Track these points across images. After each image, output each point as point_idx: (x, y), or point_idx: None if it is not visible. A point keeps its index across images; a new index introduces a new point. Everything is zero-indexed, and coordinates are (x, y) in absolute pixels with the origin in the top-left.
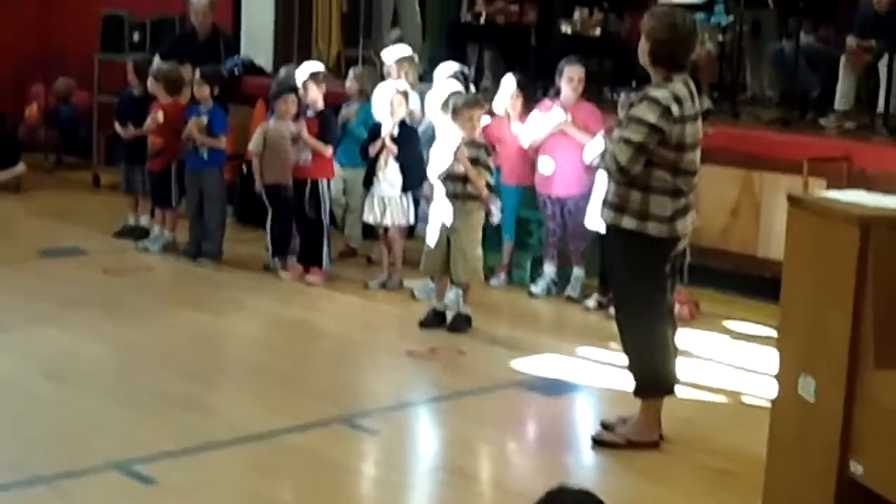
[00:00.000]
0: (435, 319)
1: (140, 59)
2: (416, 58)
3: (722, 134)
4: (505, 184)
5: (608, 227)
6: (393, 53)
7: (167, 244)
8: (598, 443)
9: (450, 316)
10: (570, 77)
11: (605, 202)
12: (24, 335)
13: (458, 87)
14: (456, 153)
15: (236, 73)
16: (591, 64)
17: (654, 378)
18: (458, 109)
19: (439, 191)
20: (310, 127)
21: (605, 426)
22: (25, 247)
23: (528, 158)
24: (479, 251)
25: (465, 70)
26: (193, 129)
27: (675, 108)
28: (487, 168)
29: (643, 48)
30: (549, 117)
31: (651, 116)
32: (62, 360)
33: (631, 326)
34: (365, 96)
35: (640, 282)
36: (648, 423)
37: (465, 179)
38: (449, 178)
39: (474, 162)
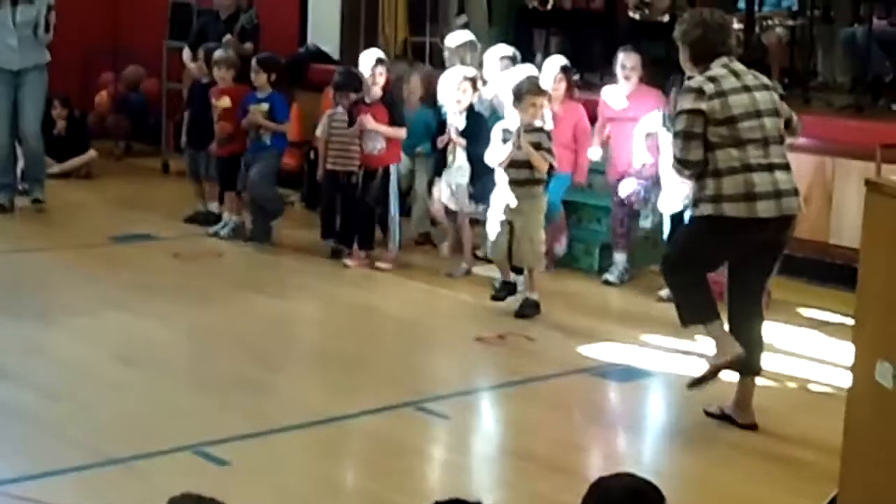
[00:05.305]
0: (509, 290)
1: (209, 49)
2: (477, 43)
3: None
4: (561, 171)
5: (692, 220)
6: (453, 39)
7: (236, 228)
8: (708, 414)
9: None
10: (623, 64)
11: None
12: (98, 320)
13: (533, 71)
14: (517, 140)
15: (248, 27)
16: (658, 49)
17: (689, 305)
18: (522, 95)
19: (501, 178)
20: (378, 113)
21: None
22: (97, 233)
23: (571, 146)
24: (543, 235)
25: (517, 54)
26: (258, 116)
27: (708, 87)
28: (549, 152)
29: (683, 55)
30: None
31: (686, 103)
32: (135, 345)
33: (673, 270)
34: (431, 99)
35: (697, 247)
36: (718, 343)
37: (529, 165)
38: (512, 164)
39: (536, 147)
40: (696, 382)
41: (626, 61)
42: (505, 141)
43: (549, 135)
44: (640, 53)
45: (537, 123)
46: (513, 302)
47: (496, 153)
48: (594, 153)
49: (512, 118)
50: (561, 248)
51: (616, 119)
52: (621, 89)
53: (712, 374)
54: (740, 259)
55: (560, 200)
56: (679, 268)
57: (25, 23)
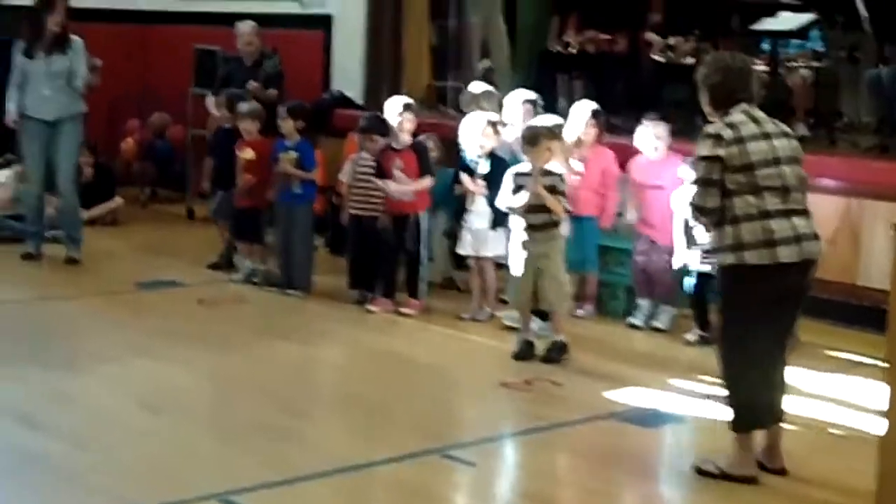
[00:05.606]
0: (529, 350)
1: (232, 94)
2: (495, 92)
3: (819, 162)
4: (586, 214)
5: (717, 272)
6: (471, 88)
7: (250, 274)
8: (699, 472)
9: (540, 344)
10: (655, 134)
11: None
12: (122, 366)
13: (554, 119)
14: (534, 185)
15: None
16: (681, 92)
17: (740, 412)
18: (539, 139)
19: (518, 223)
20: (407, 159)
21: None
22: (122, 279)
23: (599, 190)
24: (566, 276)
25: (539, 99)
26: (286, 164)
27: (727, 133)
28: (563, 195)
29: (703, 98)
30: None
31: (704, 149)
32: (161, 392)
33: (724, 359)
34: (448, 159)
35: (736, 312)
36: (740, 457)
37: (546, 209)
38: (530, 209)
39: (551, 190)
40: (702, 472)
41: (654, 131)
42: (519, 187)
43: (562, 177)
44: (667, 122)
45: (549, 167)
46: (538, 345)
47: (509, 198)
48: (629, 217)
49: (526, 163)
50: (584, 312)
51: (644, 186)
52: (648, 157)
53: (717, 477)
54: (764, 306)
55: (597, 248)
56: (728, 343)
57: (59, 73)
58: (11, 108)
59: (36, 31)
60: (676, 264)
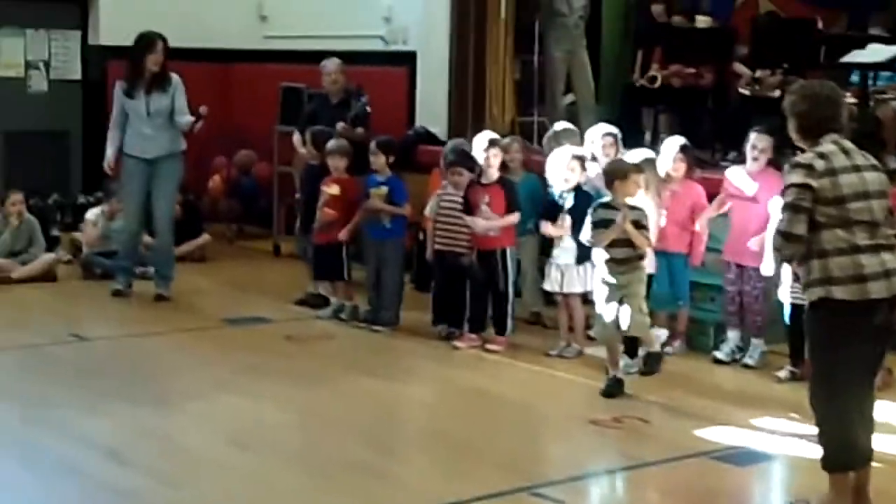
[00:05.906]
0: (617, 387)
1: (317, 131)
2: (574, 129)
3: None
4: (675, 251)
5: (806, 306)
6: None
7: (337, 310)
8: None
9: (628, 381)
10: (754, 145)
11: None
12: (209, 403)
13: (645, 153)
14: (623, 221)
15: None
16: (768, 123)
17: (832, 451)
18: (627, 173)
19: (601, 256)
20: (494, 195)
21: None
22: (210, 315)
23: (686, 225)
24: (646, 306)
25: (618, 133)
26: (376, 200)
27: (819, 163)
28: (646, 228)
29: (791, 126)
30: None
31: (796, 177)
32: (246, 428)
33: (815, 397)
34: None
35: (825, 347)
36: (835, 497)
37: (630, 243)
38: (614, 244)
39: (636, 225)
40: None
41: (757, 142)
42: (602, 220)
43: (644, 212)
44: (772, 135)
45: (632, 201)
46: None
47: (593, 233)
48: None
49: (611, 196)
50: (673, 349)
51: (737, 197)
52: (749, 169)
53: None
54: (853, 341)
55: (687, 284)
56: (817, 378)
57: (159, 111)
58: (109, 152)
59: (136, 71)
60: (765, 272)
